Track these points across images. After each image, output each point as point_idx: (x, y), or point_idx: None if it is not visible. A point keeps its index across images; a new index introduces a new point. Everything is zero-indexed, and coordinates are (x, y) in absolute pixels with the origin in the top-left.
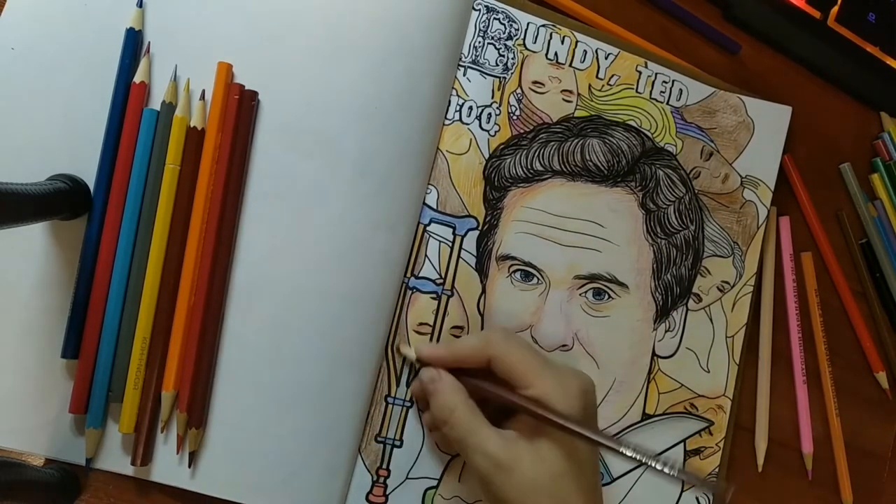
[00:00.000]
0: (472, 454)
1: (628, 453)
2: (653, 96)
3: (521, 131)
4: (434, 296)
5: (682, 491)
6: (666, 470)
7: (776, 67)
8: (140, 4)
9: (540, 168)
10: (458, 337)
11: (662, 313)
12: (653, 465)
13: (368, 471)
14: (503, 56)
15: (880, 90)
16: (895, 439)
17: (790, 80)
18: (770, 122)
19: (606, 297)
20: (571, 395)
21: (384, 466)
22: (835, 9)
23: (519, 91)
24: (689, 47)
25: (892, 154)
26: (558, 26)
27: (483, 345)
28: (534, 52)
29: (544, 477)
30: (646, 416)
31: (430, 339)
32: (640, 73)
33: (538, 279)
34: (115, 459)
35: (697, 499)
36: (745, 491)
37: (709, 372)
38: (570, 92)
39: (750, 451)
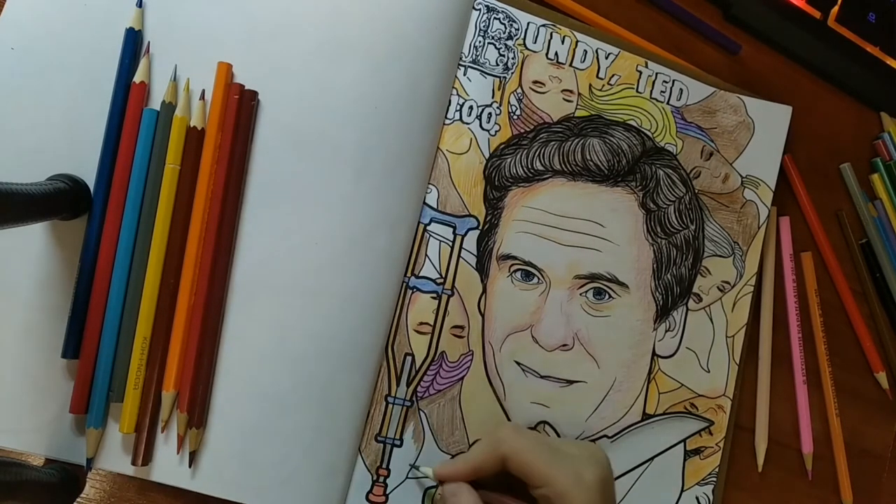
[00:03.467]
0: None
1: None
2: (653, 96)
3: (522, 131)
4: (434, 295)
5: (681, 491)
6: None
7: (776, 67)
8: (140, 4)
9: (540, 168)
10: (459, 337)
11: (663, 313)
12: None
13: (368, 470)
14: (503, 56)
15: (880, 90)
16: (895, 439)
17: (790, 80)
18: (770, 121)
19: (607, 296)
20: (588, 486)
21: (384, 466)
22: (835, 9)
23: (519, 91)
24: (689, 47)
25: (892, 154)
26: (558, 26)
27: (494, 446)
28: (534, 51)
29: None
30: (646, 416)
31: (431, 340)
32: (640, 72)
33: (538, 279)
34: (116, 459)
35: (697, 499)
36: (745, 491)
37: (709, 372)
38: (571, 91)
39: (750, 451)
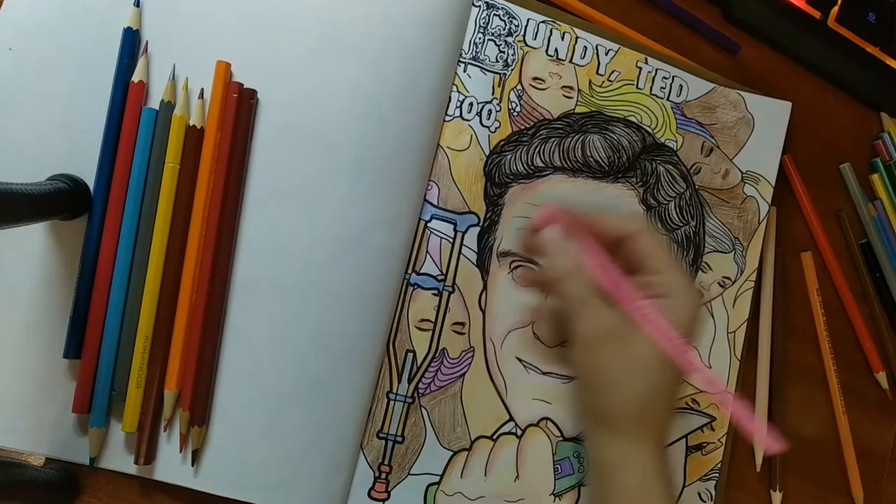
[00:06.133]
0: (586, 316)
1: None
2: (653, 92)
3: (522, 127)
4: (435, 292)
5: (683, 486)
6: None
7: (776, 67)
8: (137, 4)
9: (540, 164)
10: (460, 333)
11: None
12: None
13: (370, 467)
14: (503, 52)
15: (880, 90)
16: (895, 439)
17: (790, 80)
18: (770, 117)
19: None
20: (695, 297)
21: (386, 462)
22: (835, 9)
23: (519, 87)
24: (689, 47)
25: (892, 154)
26: (558, 22)
27: (627, 220)
28: (534, 48)
29: (651, 360)
30: None
31: (432, 336)
32: (640, 69)
33: None
34: (119, 458)
35: (699, 494)
36: (744, 490)
37: (710, 367)
38: (571, 88)
39: (749, 451)
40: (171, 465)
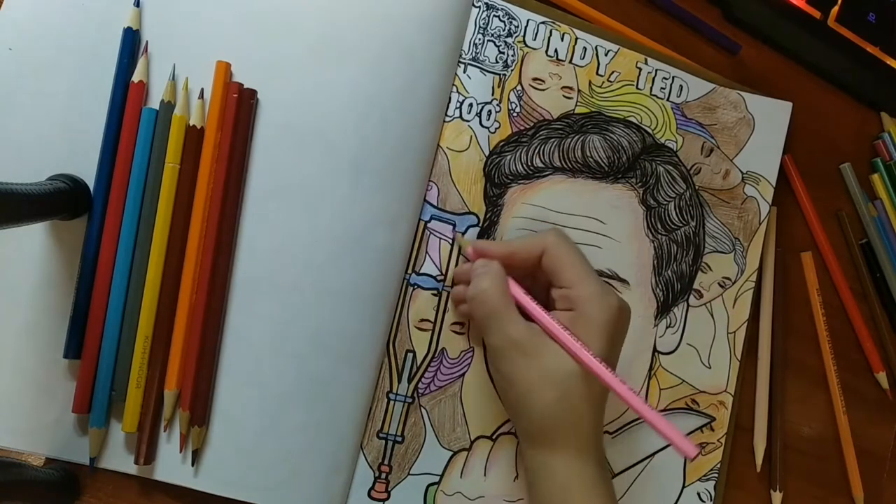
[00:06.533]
0: (493, 333)
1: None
2: (653, 92)
3: (522, 128)
4: (435, 292)
5: (683, 487)
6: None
7: (776, 67)
8: (137, 4)
9: (540, 165)
10: (459, 334)
11: (663, 309)
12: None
13: (370, 467)
14: (503, 53)
15: (880, 90)
16: (895, 439)
17: (790, 80)
18: (770, 117)
19: None
20: (609, 305)
21: (386, 462)
22: (835, 9)
23: (519, 88)
24: (689, 47)
25: (892, 154)
26: (558, 23)
27: (539, 237)
28: (534, 48)
29: (560, 372)
30: None
31: (431, 336)
32: (640, 69)
33: None
34: (119, 458)
35: (699, 494)
36: (744, 490)
37: (710, 368)
38: (571, 88)
39: (749, 451)
40: (171, 465)
